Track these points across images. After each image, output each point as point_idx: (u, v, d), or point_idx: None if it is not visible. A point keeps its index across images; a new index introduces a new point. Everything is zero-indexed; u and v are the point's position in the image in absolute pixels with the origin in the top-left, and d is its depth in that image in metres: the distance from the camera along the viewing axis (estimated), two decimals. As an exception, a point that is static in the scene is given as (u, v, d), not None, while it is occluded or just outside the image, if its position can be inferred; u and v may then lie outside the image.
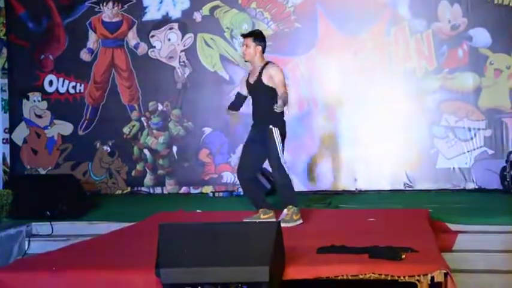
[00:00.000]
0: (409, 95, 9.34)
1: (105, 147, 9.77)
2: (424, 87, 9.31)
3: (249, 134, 6.63)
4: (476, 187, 9.10)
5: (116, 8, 9.77)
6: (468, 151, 9.20)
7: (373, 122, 9.33)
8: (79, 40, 9.82)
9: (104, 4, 9.78)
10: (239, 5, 9.61)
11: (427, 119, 9.30)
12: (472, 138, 9.21)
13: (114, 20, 9.80)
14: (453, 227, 6.44)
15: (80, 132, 9.80)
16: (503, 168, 8.75)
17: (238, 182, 9.43)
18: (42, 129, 9.87)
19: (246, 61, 6.66)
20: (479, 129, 9.19)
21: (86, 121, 9.79)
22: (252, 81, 6.44)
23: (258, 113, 6.44)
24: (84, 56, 9.82)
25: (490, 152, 9.16)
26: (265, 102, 6.30)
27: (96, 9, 9.80)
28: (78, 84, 9.81)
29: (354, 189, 9.25)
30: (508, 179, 8.61)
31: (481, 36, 9.19)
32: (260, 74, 6.35)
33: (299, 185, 8.91)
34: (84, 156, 9.79)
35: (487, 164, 9.12)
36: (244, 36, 6.60)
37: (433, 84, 9.28)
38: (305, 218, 6.38)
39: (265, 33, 9.39)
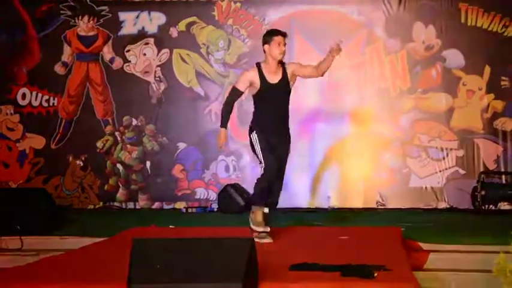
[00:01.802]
0: (383, 113, 9.42)
1: (77, 162, 9.70)
2: (398, 106, 9.40)
3: (265, 141, 6.21)
4: (448, 206, 9.18)
5: (91, 22, 9.74)
6: (440, 171, 9.29)
7: (347, 140, 9.39)
8: (53, 53, 9.75)
9: (80, 18, 9.74)
10: (216, 21, 9.64)
11: (400, 138, 9.37)
12: (444, 158, 9.30)
13: (89, 34, 9.76)
14: (425, 246, 6.47)
15: (53, 146, 9.72)
16: (475, 188, 8.84)
17: (211, 198, 9.47)
18: (14, 143, 9.76)
19: (280, 61, 6.24)
20: (451, 149, 9.29)
21: (59, 135, 9.71)
22: (274, 80, 6.22)
23: (280, 114, 6.33)
24: (59, 69, 9.76)
25: (462, 172, 9.26)
26: (287, 102, 6.34)
27: (71, 23, 9.76)
28: (52, 98, 9.74)
29: (327, 207, 9.27)
30: (479, 199, 8.70)
31: (455, 58, 9.32)
32: (284, 72, 6.25)
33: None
34: (56, 170, 9.70)
35: (459, 184, 9.21)
36: (286, 35, 6.23)
37: (406, 104, 9.38)
38: (278, 235, 6.37)
39: (241, 50, 9.60)
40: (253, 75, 6.21)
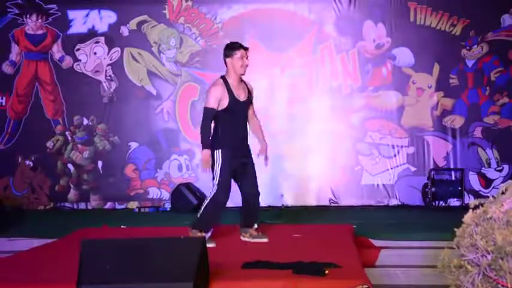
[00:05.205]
0: (334, 112, 9.48)
1: (27, 162, 9.54)
2: (349, 104, 9.47)
3: (233, 160, 6.00)
4: (399, 203, 9.28)
5: (39, 21, 9.59)
6: (391, 168, 9.39)
7: (299, 138, 9.43)
8: (1, 52, 9.59)
9: (28, 16, 9.59)
10: (167, 20, 9.58)
11: (352, 136, 9.45)
12: (395, 156, 9.40)
13: (38, 33, 9.61)
14: (376, 242, 6.54)
15: (1, 146, 9.54)
16: (425, 185, 8.98)
17: (164, 197, 9.42)
18: (-39, 143, 9.56)
19: (243, 74, 6.18)
20: (402, 146, 9.40)
21: (7, 135, 9.54)
22: (242, 98, 6.11)
23: (243, 133, 6.17)
24: (6, 68, 9.59)
25: (413, 169, 9.37)
26: (246, 119, 6.23)
27: (19, 21, 9.60)
28: (0, 98, 9.57)
29: (280, 205, 9.29)
30: (429, 196, 8.84)
31: (404, 56, 9.42)
32: (249, 90, 6.22)
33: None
34: (5, 171, 9.52)
35: (410, 181, 9.33)
36: (247, 49, 6.16)
37: (358, 102, 9.45)
38: (231, 233, 6.37)
39: (193, 49, 9.56)
40: (221, 92, 5.99)
